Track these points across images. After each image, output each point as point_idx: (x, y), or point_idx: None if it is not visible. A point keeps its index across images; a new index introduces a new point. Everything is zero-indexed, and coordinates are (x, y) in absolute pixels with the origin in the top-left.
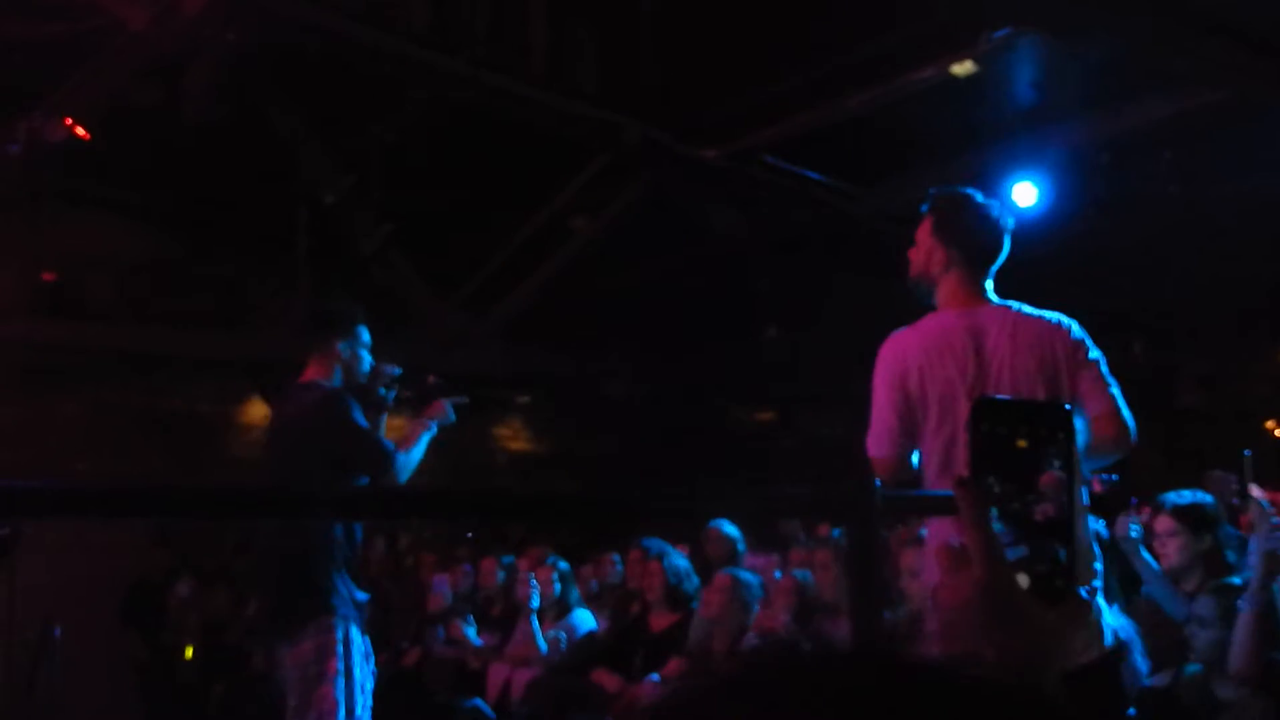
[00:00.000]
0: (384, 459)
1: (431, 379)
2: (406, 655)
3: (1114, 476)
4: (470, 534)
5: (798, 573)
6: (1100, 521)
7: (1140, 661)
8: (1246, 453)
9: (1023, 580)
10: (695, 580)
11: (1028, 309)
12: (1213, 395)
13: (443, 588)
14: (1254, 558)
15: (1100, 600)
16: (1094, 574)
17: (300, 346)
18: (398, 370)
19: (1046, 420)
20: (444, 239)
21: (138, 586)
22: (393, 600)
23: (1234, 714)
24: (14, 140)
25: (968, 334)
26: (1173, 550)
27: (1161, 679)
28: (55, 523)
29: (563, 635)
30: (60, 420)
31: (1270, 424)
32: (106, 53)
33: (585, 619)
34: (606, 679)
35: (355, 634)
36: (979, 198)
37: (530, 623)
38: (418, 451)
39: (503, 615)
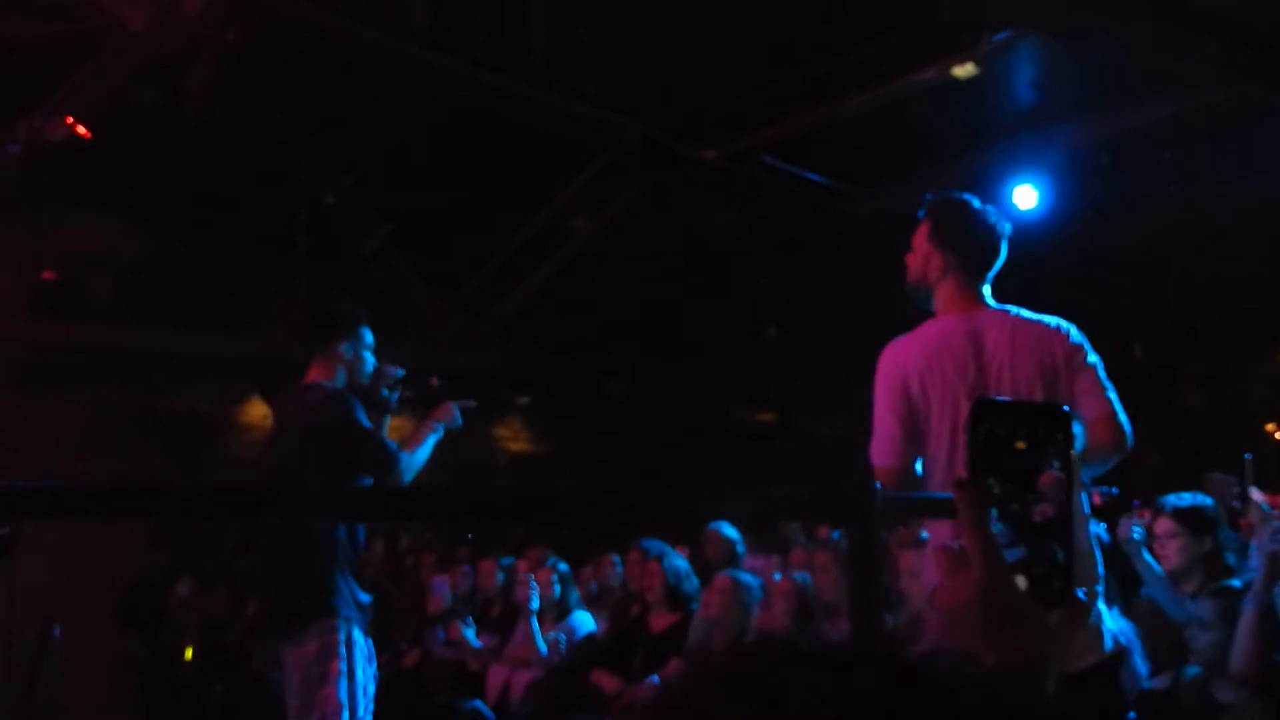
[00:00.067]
0: (388, 459)
1: (435, 381)
2: (406, 657)
3: (1114, 490)
4: (470, 535)
5: (797, 575)
6: (1101, 525)
7: (1140, 664)
8: (1247, 456)
9: (1021, 582)
10: (695, 581)
11: (1026, 313)
12: (1213, 396)
13: (442, 589)
14: (1256, 559)
15: (1101, 604)
16: (1094, 577)
17: (301, 347)
18: (401, 372)
19: (1045, 422)
20: (444, 239)
21: (137, 587)
22: (392, 601)
23: (1233, 716)
24: (14, 140)
25: (967, 339)
26: (1172, 552)
27: (1161, 681)
28: (55, 523)
29: (562, 637)
30: (60, 420)
31: (1270, 427)
32: (106, 53)
33: (585, 620)
34: (606, 680)
35: (358, 635)
36: (975, 203)
37: (530, 624)
38: (423, 453)
39: (502, 617)
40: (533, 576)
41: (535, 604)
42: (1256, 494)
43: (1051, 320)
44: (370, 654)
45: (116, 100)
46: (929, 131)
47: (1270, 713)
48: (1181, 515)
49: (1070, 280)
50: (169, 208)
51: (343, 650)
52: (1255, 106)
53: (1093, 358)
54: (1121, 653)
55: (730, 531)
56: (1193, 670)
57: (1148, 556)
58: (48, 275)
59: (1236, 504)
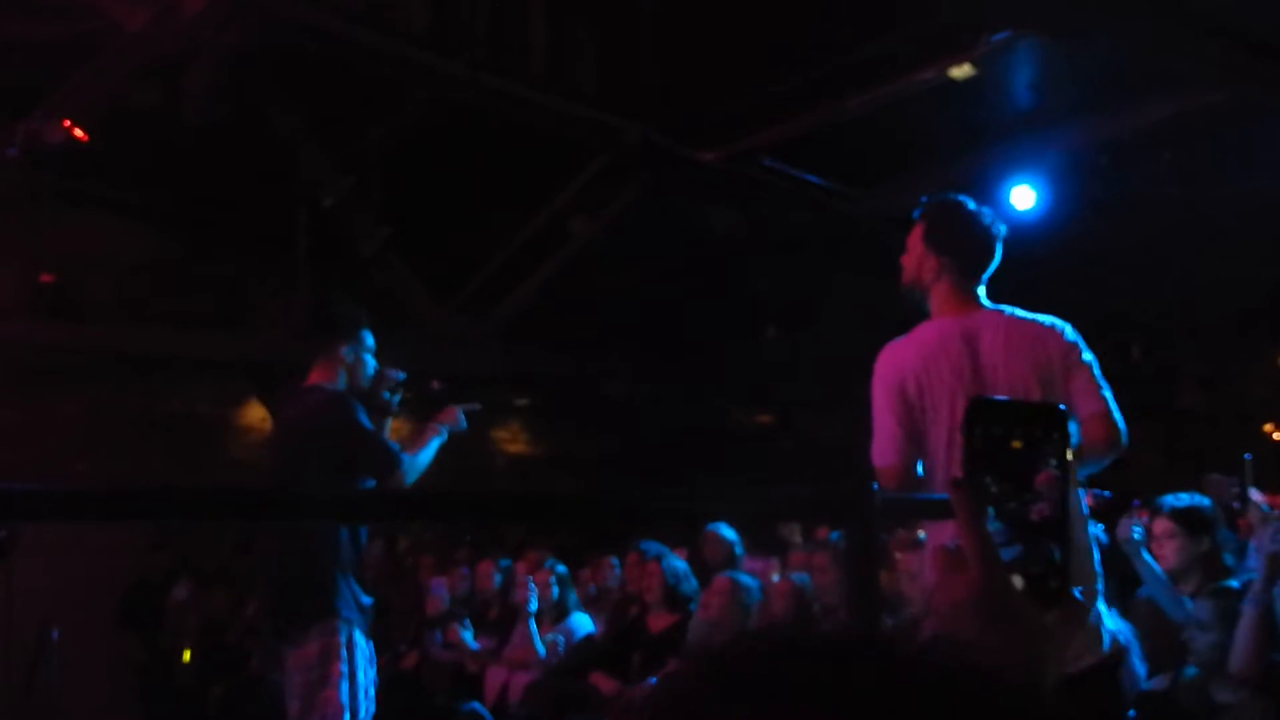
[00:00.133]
0: (391, 461)
1: (435, 383)
2: (404, 658)
3: (1107, 493)
4: (468, 537)
5: (796, 576)
6: (1099, 526)
7: (1138, 665)
8: (1247, 456)
9: (1017, 581)
10: (694, 582)
11: (1020, 312)
12: (1212, 397)
13: (440, 591)
14: (1254, 560)
15: (1100, 604)
16: (1092, 577)
17: (300, 348)
18: (402, 375)
19: (1042, 421)
20: (444, 240)
21: (136, 588)
22: (391, 603)
23: (1233, 717)
24: (12, 142)
25: (962, 339)
26: (1170, 553)
27: (1160, 682)
28: (54, 525)
29: (560, 638)
30: (59, 421)
31: (1269, 427)
32: (106, 53)
33: (583, 622)
34: (604, 682)
35: (359, 638)
36: (970, 206)
37: (528, 626)
38: (425, 455)
39: (500, 618)
40: (531, 578)
41: (533, 606)
42: (1256, 494)
43: (1046, 319)
44: (372, 656)
45: (116, 101)
46: (928, 132)
47: (1269, 713)
48: (1179, 516)
49: (1069, 281)
50: (169, 208)
51: (344, 652)
52: (1255, 107)
53: (1087, 356)
54: (1120, 652)
55: (728, 533)
56: (1191, 671)
57: (1147, 557)
58: (47, 277)
59: (1236, 504)
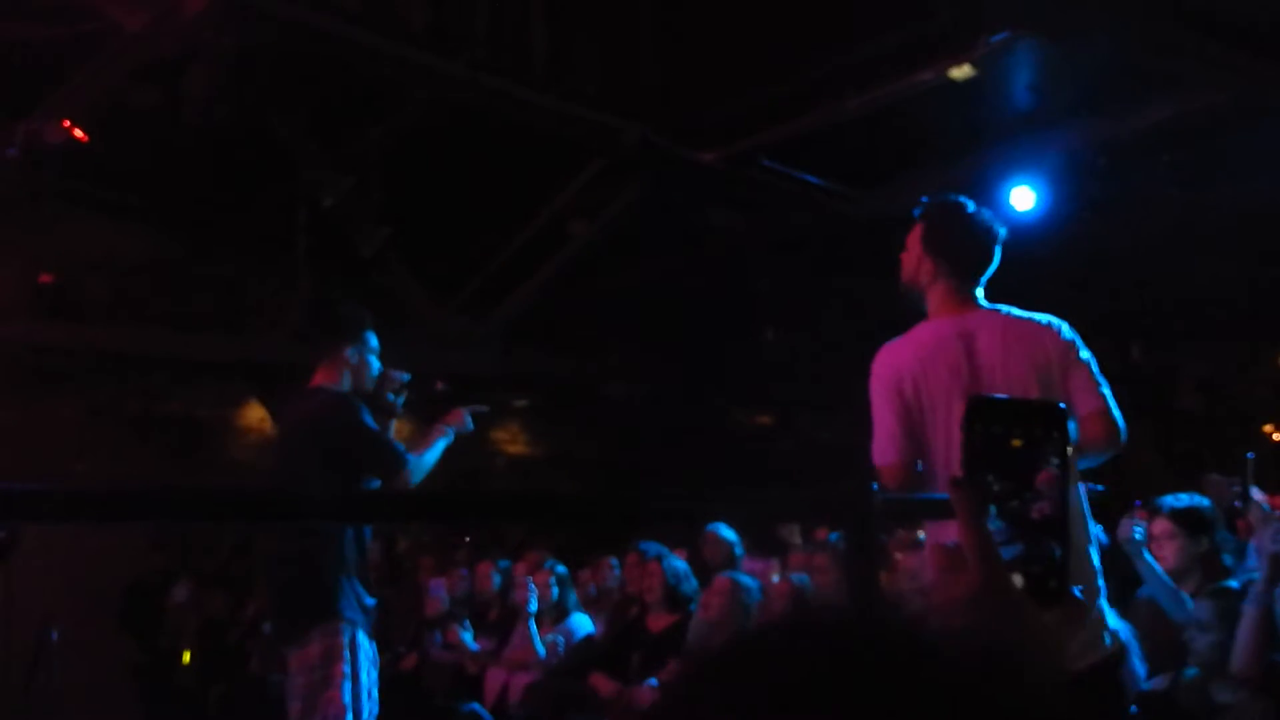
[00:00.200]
0: (396, 461)
1: (439, 385)
2: (404, 659)
3: (1099, 487)
4: (467, 538)
5: (796, 576)
6: (1098, 526)
7: (1138, 665)
8: (1249, 455)
9: (1017, 580)
10: (694, 582)
11: (1017, 311)
12: (1211, 397)
13: (439, 592)
14: (1253, 560)
15: (1102, 603)
16: (1093, 576)
17: (300, 349)
18: (406, 376)
19: (1041, 419)
20: (443, 240)
21: (135, 589)
22: (391, 604)
23: (1233, 717)
24: (12, 143)
25: (959, 339)
26: (1170, 553)
27: (1160, 682)
28: (53, 526)
29: (560, 639)
30: (58, 422)
31: (1268, 428)
32: (105, 54)
33: (583, 623)
34: (604, 682)
35: (362, 639)
36: (970, 207)
37: (528, 626)
38: (431, 456)
39: (500, 619)
40: (531, 579)
41: (533, 606)
42: (1257, 494)
43: (1043, 318)
44: (374, 658)
45: (115, 102)
46: (928, 133)
47: (1270, 713)
48: (1179, 516)
49: (1069, 281)
50: (168, 209)
51: (347, 653)
52: (1255, 107)
53: (1085, 354)
54: (1121, 651)
55: (728, 533)
56: (1191, 672)
57: (1148, 557)
58: (46, 278)
59: (1238, 504)
